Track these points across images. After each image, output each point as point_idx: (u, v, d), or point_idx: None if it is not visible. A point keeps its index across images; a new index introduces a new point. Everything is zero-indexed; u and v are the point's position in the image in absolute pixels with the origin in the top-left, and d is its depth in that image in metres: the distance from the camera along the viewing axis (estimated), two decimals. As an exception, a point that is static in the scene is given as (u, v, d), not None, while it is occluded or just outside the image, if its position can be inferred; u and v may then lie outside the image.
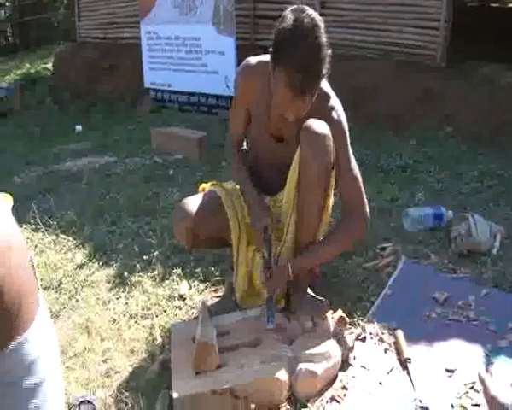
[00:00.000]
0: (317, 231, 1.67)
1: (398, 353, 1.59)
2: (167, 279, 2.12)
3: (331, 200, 1.71)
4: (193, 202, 1.74)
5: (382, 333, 1.68)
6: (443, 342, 1.64)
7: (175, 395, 1.37)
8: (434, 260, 2.10)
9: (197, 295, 2.02)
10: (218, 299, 1.97)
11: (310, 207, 1.59)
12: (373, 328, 1.71)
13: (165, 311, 1.92)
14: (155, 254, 2.29)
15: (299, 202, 1.61)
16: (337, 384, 1.49)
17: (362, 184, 1.60)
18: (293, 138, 1.61)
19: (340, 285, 1.98)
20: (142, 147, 4.07)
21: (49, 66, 7.92)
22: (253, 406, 1.37)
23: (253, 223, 1.68)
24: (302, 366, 1.44)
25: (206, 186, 1.91)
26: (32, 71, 8.37)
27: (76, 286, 2.14)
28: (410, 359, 1.55)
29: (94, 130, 4.90)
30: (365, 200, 1.61)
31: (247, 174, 1.77)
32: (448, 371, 1.52)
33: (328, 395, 1.45)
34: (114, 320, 1.90)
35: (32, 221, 2.68)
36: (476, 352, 1.58)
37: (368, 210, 1.62)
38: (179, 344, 1.59)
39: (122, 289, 2.09)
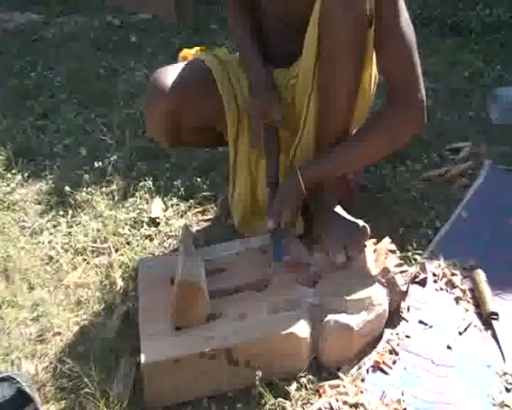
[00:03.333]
0: (349, 121, 1.65)
1: (478, 304, 1.59)
2: (131, 197, 2.12)
3: (371, 75, 1.67)
4: (173, 74, 1.73)
5: (452, 274, 1.68)
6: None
7: (144, 360, 1.38)
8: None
9: (176, 218, 2.02)
10: (207, 223, 1.98)
11: (337, 85, 1.56)
12: (437, 266, 1.71)
13: (128, 243, 1.93)
14: (112, 159, 2.26)
15: (321, 77, 1.58)
16: (383, 346, 1.50)
17: (416, 52, 1.56)
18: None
19: (388, 203, 1.97)
20: (88, 0, 3.96)
21: None
22: (259, 374, 1.37)
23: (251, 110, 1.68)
24: (331, 317, 1.45)
25: (190, 53, 1.88)
26: None
27: (-15, 210, 2.13)
28: (496, 314, 1.54)
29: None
30: (420, 75, 1.58)
31: (249, 34, 1.75)
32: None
33: (369, 361, 1.47)
34: (50, 259, 1.90)
35: None
36: None
37: (423, 91, 1.59)
38: (150, 288, 1.60)
39: (61, 213, 2.09)
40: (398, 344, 1.50)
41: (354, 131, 1.68)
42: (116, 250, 1.90)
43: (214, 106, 1.74)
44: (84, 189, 2.17)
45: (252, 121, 1.71)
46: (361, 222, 1.66)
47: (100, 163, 2.26)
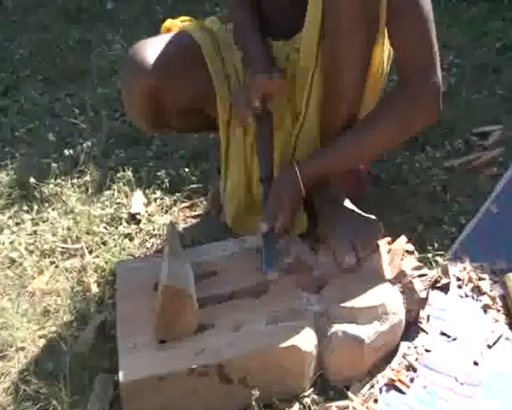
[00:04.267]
0: (357, 106, 1.67)
1: (510, 313, 1.60)
2: (108, 189, 2.13)
3: (384, 51, 1.67)
4: (155, 49, 1.73)
5: (480, 279, 1.69)
6: None
7: (123, 379, 1.38)
8: None
9: (160, 214, 2.03)
10: (195, 220, 1.99)
11: (343, 64, 1.57)
12: (462, 269, 1.72)
13: (104, 243, 1.94)
14: (85, 145, 2.27)
15: (325, 55, 1.58)
16: (398, 362, 1.51)
17: (432, 27, 1.56)
18: None
19: (404, 196, 1.98)
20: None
21: None
22: (256, 394, 1.38)
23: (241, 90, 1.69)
24: (338, 328, 1.45)
25: (175, 24, 1.88)
26: None
27: None
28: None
29: None
30: (437, 55, 1.58)
31: (248, 17, 1.76)
32: None
33: (382, 379, 1.48)
34: (13, 262, 1.91)
35: None
36: None
37: (440, 75, 1.59)
38: (130, 296, 1.60)
39: (25, 208, 2.09)
40: (416, 359, 1.51)
41: (361, 119, 1.68)
42: (90, 252, 1.91)
43: (203, 86, 1.74)
44: (53, 180, 2.16)
45: (236, 105, 1.71)
46: (373, 218, 1.67)
47: (71, 150, 2.27)
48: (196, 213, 2.03)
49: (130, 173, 2.15)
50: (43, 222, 2.04)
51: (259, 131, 1.71)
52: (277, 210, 1.63)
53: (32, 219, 2.05)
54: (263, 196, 1.69)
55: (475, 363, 1.50)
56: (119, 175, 2.16)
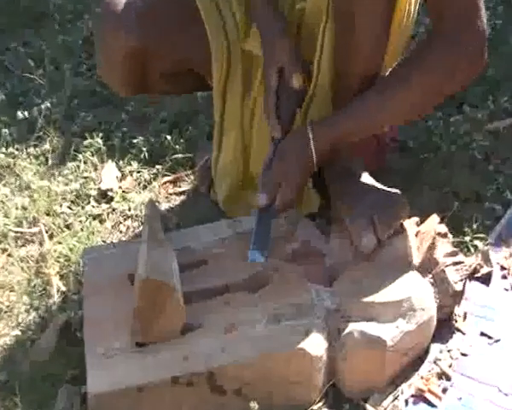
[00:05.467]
0: (378, 60, 1.67)
1: None
2: (72, 160, 2.14)
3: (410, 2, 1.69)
4: None
5: (528, 268, 1.71)
6: None
7: (92, 391, 1.40)
8: None
9: (137, 190, 2.05)
10: (180, 198, 2.01)
11: (360, 10, 1.56)
12: (508, 256, 1.74)
13: (68, 226, 1.95)
14: (44, 107, 2.29)
15: (338, 2, 1.58)
16: (429, 368, 1.53)
17: None
18: None
19: (436, 167, 1.99)
20: None
21: None
22: (254, 406, 1.40)
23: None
24: (354, 327, 1.47)
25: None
26: None
27: None
28: None
29: None
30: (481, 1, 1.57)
31: None
32: None
33: (408, 389, 1.49)
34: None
35: None
36: None
37: (484, 16, 1.57)
38: (100, 290, 1.61)
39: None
40: (450, 365, 1.53)
41: (386, 74, 1.69)
42: (51, 236, 1.93)
43: (195, 41, 1.75)
44: (4, 149, 2.19)
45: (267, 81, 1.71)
46: (397, 193, 1.67)
47: (26, 112, 2.29)
48: (181, 189, 2.05)
49: (99, 141, 2.16)
50: (-7, 201, 2.05)
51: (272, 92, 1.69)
52: (280, 181, 1.62)
53: (-19, 198, 2.06)
54: (268, 159, 1.67)
55: (524, 370, 1.51)
56: (85, 143, 2.17)
